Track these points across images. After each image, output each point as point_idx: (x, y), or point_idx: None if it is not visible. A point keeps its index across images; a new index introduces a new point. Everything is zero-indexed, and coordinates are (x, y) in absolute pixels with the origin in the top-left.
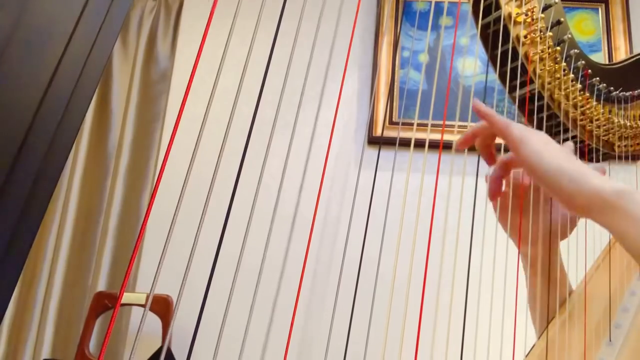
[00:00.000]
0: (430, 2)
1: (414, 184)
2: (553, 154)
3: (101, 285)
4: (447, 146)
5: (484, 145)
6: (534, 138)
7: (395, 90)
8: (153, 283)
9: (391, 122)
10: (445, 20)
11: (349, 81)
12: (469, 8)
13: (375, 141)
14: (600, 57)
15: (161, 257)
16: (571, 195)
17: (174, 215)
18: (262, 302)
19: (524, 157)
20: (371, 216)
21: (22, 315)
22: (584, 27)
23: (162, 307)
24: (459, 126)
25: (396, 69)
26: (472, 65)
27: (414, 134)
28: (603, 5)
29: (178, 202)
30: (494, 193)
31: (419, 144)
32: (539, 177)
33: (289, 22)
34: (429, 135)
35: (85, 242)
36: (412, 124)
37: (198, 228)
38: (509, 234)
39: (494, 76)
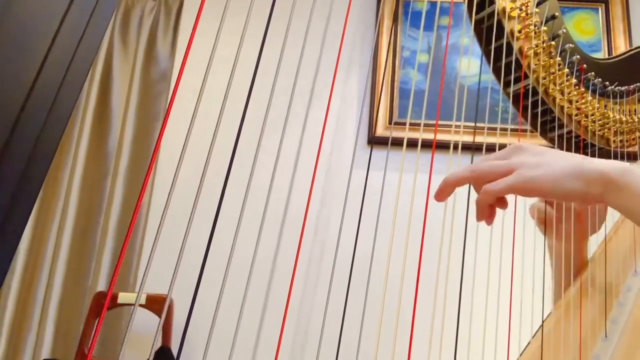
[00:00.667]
0: (430, 1)
1: (410, 183)
2: (545, 170)
3: (101, 285)
4: (440, 146)
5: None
6: (525, 165)
7: (395, 90)
8: (142, 281)
9: (390, 122)
10: (444, 20)
11: (349, 81)
12: (464, 5)
13: (375, 141)
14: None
15: (150, 257)
16: (583, 192)
17: (162, 215)
18: (255, 301)
19: (523, 192)
20: (370, 216)
21: (22, 315)
22: (584, 27)
23: (163, 307)
24: (456, 126)
25: (396, 68)
26: (472, 64)
27: (406, 134)
28: (603, 5)
29: (166, 203)
30: (485, 217)
31: (415, 144)
32: (546, 196)
33: (288, 21)
34: (421, 135)
35: (85, 242)
36: (412, 124)
37: (187, 227)
38: (540, 229)
39: (491, 76)
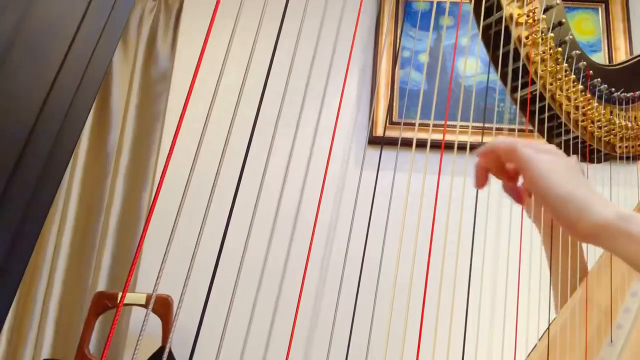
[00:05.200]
0: (431, 2)
1: (415, 184)
2: (562, 179)
3: (101, 285)
4: (447, 146)
5: (499, 171)
6: (542, 158)
7: (395, 90)
8: (156, 284)
9: (392, 122)
10: (446, 21)
11: (350, 81)
12: (469, 8)
13: (375, 141)
14: (600, 57)
15: (164, 258)
16: (576, 223)
17: (177, 215)
18: (264, 303)
19: (531, 179)
20: (372, 216)
21: (22, 315)
22: (584, 27)
23: (163, 307)
24: (461, 126)
25: (396, 69)
26: (472, 65)
27: (415, 134)
28: (603, 5)
29: (181, 203)
30: (481, 182)
31: (420, 144)
32: (545, 202)
33: (290, 23)
34: (430, 135)
35: (85, 242)
36: (412, 124)
37: (201, 228)
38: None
39: (494, 76)
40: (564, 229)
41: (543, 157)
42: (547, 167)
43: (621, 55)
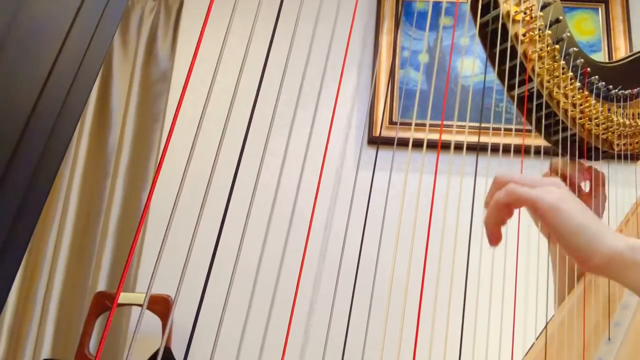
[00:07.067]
0: (428, 1)
1: (414, 184)
2: (573, 210)
3: (101, 285)
4: (446, 146)
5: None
6: (550, 191)
7: (394, 90)
8: (150, 283)
9: (391, 122)
10: (444, 20)
11: (349, 81)
12: (468, 8)
13: (374, 141)
14: (600, 57)
15: (158, 257)
16: (588, 256)
17: (171, 214)
18: (260, 301)
19: (544, 213)
20: (371, 216)
21: (22, 315)
22: (583, 27)
23: (162, 307)
24: (458, 126)
25: (396, 69)
26: (471, 65)
27: (412, 134)
28: (603, 5)
29: (175, 202)
30: (496, 238)
31: (419, 144)
32: (559, 233)
33: (289, 22)
34: (427, 135)
35: (85, 242)
36: (411, 124)
37: (195, 227)
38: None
39: (493, 76)
40: (575, 260)
41: (550, 190)
42: (557, 197)
43: (621, 56)
